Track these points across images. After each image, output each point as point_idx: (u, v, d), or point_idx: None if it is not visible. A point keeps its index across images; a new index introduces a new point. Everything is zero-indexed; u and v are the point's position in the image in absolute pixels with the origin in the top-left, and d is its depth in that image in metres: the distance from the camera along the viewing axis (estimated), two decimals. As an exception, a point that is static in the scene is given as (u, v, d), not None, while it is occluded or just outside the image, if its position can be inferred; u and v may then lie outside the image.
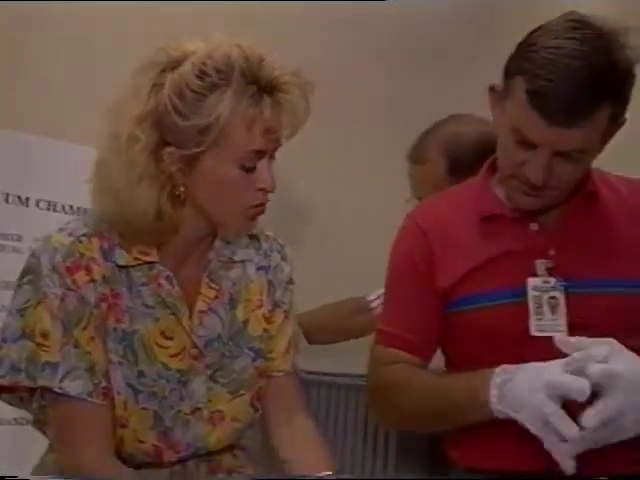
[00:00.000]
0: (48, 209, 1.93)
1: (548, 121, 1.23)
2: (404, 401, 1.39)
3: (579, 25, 1.26)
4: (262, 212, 1.26)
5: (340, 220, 2.32)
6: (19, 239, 1.92)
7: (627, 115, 1.30)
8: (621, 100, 1.27)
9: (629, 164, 1.53)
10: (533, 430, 1.22)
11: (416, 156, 1.90)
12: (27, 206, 1.93)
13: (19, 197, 1.93)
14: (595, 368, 1.17)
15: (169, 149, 1.17)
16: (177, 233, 1.25)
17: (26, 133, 1.93)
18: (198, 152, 1.17)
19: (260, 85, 1.18)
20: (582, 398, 1.16)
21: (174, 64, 1.17)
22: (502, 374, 1.26)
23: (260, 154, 1.20)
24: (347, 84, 2.34)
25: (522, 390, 1.22)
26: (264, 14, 2.23)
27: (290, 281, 1.41)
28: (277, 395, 1.37)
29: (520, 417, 1.22)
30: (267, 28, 2.04)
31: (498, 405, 1.24)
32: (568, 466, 1.20)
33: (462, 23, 2.49)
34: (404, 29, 2.48)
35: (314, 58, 2.33)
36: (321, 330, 1.99)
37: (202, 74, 1.15)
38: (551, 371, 1.20)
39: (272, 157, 1.24)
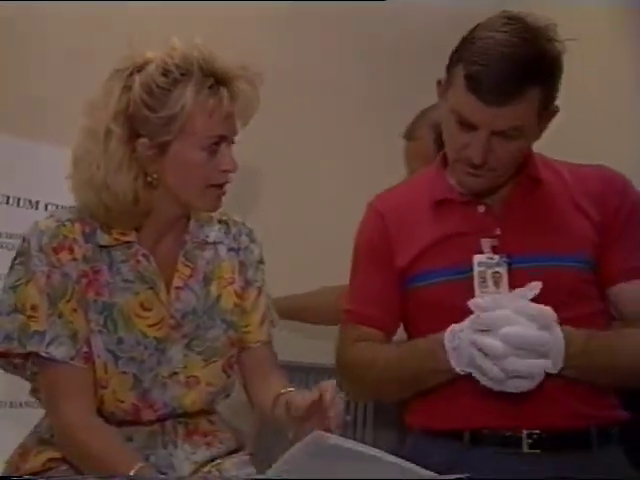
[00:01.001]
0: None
1: (483, 102, 1.37)
2: (370, 376, 1.52)
3: (511, 21, 1.39)
4: (224, 192, 1.41)
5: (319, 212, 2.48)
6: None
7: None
8: (550, 86, 1.40)
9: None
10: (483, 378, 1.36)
11: (409, 134, 2.10)
12: (37, 209, 2.11)
13: (29, 201, 2.11)
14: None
15: (142, 140, 1.34)
16: (150, 215, 1.40)
17: (35, 141, 2.10)
18: (167, 140, 1.33)
19: (217, 77, 1.34)
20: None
21: (140, 67, 1.34)
22: (450, 336, 1.39)
23: (222, 139, 1.36)
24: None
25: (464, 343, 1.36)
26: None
27: (260, 261, 1.56)
28: (255, 363, 1.51)
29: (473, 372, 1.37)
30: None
31: (457, 366, 1.38)
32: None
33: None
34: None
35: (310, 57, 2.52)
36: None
37: (165, 71, 1.32)
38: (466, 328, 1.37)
39: (232, 142, 1.39)
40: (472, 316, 1.37)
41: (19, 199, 2.11)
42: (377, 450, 1.07)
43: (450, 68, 1.43)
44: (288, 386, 1.45)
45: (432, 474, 1.11)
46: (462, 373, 1.38)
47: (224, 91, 1.35)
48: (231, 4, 2.42)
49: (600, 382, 1.43)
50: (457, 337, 1.37)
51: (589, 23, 2.40)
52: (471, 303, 1.38)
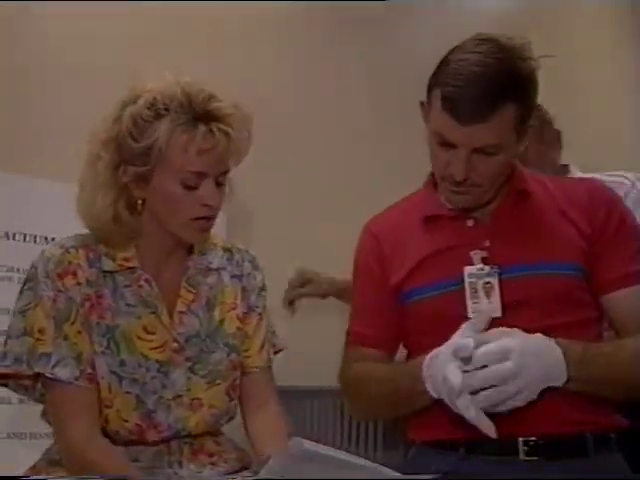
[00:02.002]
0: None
1: (459, 121, 1.42)
2: (365, 395, 1.57)
3: (484, 42, 1.45)
4: (210, 225, 1.47)
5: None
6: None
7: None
8: (524, 103, 1.44)
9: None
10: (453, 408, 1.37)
11: None
12: (35, 242, 2.23)
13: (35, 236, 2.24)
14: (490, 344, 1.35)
15: (127, 167, 1.42)
16: (140, 237, 1.47)
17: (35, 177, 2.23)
18: (148, 170, 1.41)
19: (195, 114, 1.40)
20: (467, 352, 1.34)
21: (134, 99, 1.43)
22: (427, 362, 1.41)
23: (201, 175, 1.42)
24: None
25: (436, 371, 1.38)
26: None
27: (262, 288, 1.61)
28: (252, 388, 1.56)
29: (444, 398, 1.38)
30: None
31: (432, 392, 1.40)
32: (489, 431, 1.34)
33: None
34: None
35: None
36: None
37: (151, 105, 1.41)
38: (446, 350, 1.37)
39: (221, 184, 1.45)
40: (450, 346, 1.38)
41: (25, 235, 2.23)
42: (347, 454, 1.11)
43: (429, 91, 1.49)
44: (283, 417, 1.52)
45: (399, 475, 1.13)
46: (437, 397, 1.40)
47: (201, 128, 1.40)
48: (232, 46, 2.54)
49: (598, 394, 1.43)
50: (433, 364, 1.40)
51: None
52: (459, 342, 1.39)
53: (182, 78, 1.43)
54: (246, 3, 2.67)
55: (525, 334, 1.38)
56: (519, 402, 1.35)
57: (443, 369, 1.36)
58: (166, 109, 1.40)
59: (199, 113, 1.40)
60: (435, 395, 1.40)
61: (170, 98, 1.40)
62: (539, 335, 1.39)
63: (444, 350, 1.38)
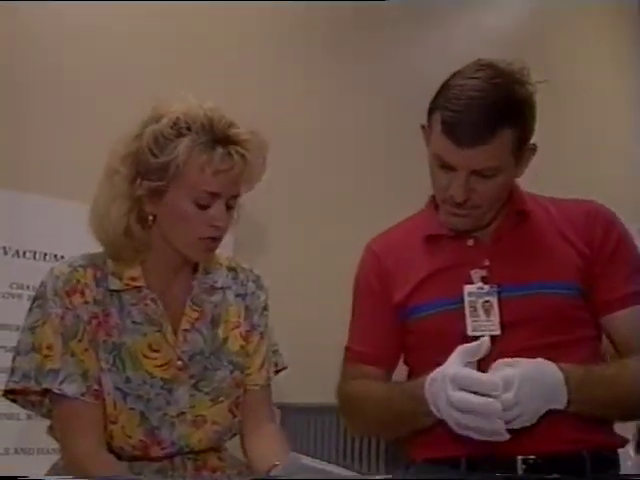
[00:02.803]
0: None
1: (458, 145, 1.45)
2: (362, 413, 1.59)
3: (483, 67, 1.49)
4: (215, 246, 1.51)
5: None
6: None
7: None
8: (522, 126, 1.47)
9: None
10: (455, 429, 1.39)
11: None
12: (45, 260, 2.28)
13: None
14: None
15: (142, 181, 1.45)
16: (150, 253, 1.50)
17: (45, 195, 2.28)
18: (163, 185, 1.44)
19: (215, 137, 1.44)
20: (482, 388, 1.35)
21: (157, 118, 1.46)
22: (428, 383, 1.43)
23: (214, 196, 1.45)
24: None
25: (436, 391, 1.40)
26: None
27: (265, 307, 1.64)
28: (251, 405, 1.58)
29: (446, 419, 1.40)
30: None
31: (437, 412, 1.41)
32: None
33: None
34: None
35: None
36: None
37: (174, 124, 1.44)
38: (449, 366, 1.39)
39: (231, 207, 1.48)
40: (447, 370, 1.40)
41: (25, 251, 2.28)
42: (344, 469, 1.14)
43: (430, 114, 1.52)
44: (280, 435, 1.55)
45: None
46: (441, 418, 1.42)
47: (220, 150, 1.44)
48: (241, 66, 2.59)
49: (599, 415, 1.45)
50: (431, 386, 1.42)
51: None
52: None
53: (205, 103, 1.47)
54: (246, 3, 2.71)
55: (526, 361, 1.39)
56: (517, 426, 1.37)
57: (445, 392, 1.37)
58: (188, 129, 1.43)
59: (219, 136, 1.44)
60: (439, 415, 1.41)
61: (193, 119, 1.44)
62: (541, 360, 1.40)
63: (440, 376, 1.39)
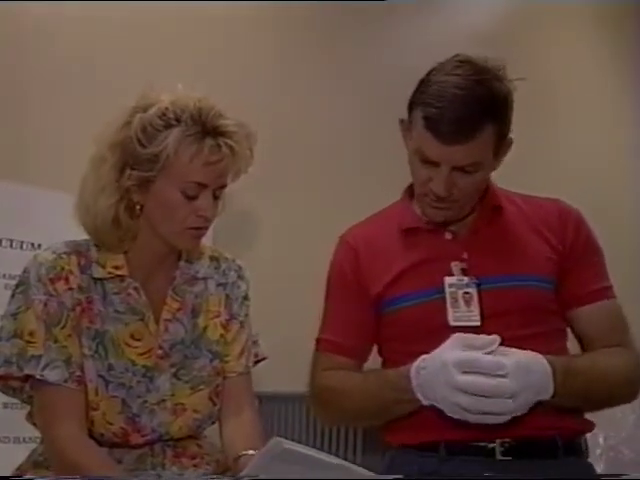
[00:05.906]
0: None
1: (442, 141, 1.47)
2: (338, 404, 1.61)
3: (463, 64, 1.52)
4: (202, 235, 1.52)
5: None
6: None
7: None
8: (502, 122, 1.51)
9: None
10: (448, 413, 1.41)
11: None
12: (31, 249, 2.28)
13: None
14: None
15: (130, 171, 1.46)
16: (135, 242, 1.51)
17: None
18: (152, 175, 1.45)
19: (205, 128, 1.45)
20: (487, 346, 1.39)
21: (145, 107, 1.47)
22: (415, 372, 1.45)
23: (201, 186, 1.47)
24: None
25: (432, 377, 1.42)
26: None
27: (246, 297, 1.65)
28: (229, 392, 1.59)
29: (438, 404, 1.42)
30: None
31: (425, 400, 1.44)
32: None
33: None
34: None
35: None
36: None
37: (162, 115, 1.45)
38: (446, 352, 1.41)
39: (218, 197, 1.50)
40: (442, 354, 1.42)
41: (22, 242, 2.28)
42: (327, 455, 1.14)
43: (410, 110, 1.55)
44: (257, 423, 1.57)
45: (372, 474, 1.18)
46: (428, 405, 1.44)
47: (209, 141, 1.45)
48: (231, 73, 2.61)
49: (575, 406, 1.50)
50: (421, 374, 1.44)
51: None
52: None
53: (194, 93, 1.48)
54: (247, 3, 2.74)
55: (518, 352, 1.42)
56: (509, 416, 1.40)
57: (448, 377, 1.38)
58: (177, 120, 1.44)
59: (208, 127, 1.45)
60: (426, 403, 1.44)
61: (182, 110, 1.45)
62: (529, 352, 1.43)
63: (438, 363, 1.41)
